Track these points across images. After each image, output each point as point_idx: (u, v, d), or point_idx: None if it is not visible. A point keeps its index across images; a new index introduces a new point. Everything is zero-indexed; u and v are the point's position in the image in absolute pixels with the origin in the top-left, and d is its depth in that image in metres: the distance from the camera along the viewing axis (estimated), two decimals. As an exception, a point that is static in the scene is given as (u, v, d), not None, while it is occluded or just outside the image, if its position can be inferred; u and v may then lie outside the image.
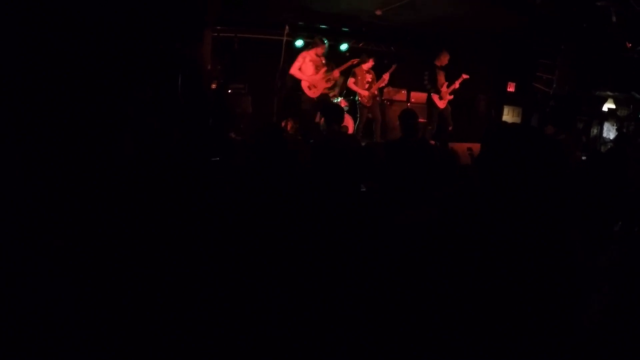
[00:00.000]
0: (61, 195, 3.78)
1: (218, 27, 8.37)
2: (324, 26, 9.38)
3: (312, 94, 8.00)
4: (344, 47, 9.75)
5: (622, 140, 7.27)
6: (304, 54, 8.09)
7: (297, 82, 8.09)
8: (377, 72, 8.47)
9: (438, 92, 8.35)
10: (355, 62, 8.38)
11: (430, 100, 8.49)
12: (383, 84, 8.48)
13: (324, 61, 8.08)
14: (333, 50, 9.04)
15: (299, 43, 9.31)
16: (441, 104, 8.41)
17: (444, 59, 8.43)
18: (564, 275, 1.73)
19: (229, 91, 8.85)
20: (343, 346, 2.35)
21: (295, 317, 2.65)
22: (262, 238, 3.25)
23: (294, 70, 7.94)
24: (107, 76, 4.46)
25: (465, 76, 8.44)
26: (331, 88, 9.10)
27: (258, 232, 3.31)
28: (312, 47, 8.09)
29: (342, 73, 8.49)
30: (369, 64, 8.25)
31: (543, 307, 1.73)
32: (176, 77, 5.27)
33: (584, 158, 7.67)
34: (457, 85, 8.44)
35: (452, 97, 8.49)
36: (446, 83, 8.41)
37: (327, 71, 8.03)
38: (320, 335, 2.49)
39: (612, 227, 2.95)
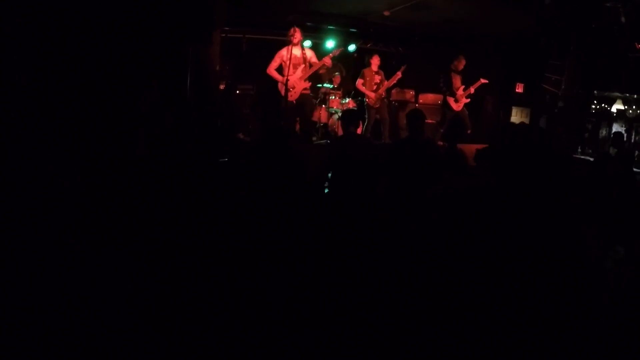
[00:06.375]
0: (74, 192, 3.83)
1: (226, 28, 8.34)
2: (332, 27, 9.39)
3: (290, 96, 7.27)
4: (351, 47, 9.76)
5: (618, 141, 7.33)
6: (280, 52, 7.39)
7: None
8: (386, 73, 8.45)
9: (453, 94, 8.33)
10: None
11: (445, 102, 8.48)
12: (395, 80, 8.38)
13: (306, 56, 7.39)
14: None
15: (307, 44, 9.31)
16: (457, 107, 8.38)
17: (459, 64, 8.40)
18: (575, 269, 1.73)
19: (237, 92, 8.87)
20: (351, 344, 2.36)
21: (301, 314, 2.66)
22: (263, 236, 3.27)
23: (270, 70, 7.32)
24: (118, 76, 4.51)
25: (483, 80, 8.38)
26: (336, 88, 9.05)
27: (261, 230, 3.33)
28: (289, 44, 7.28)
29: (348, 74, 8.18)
30: (376, 60, 8.22)
31: (554, 301, 1.73)
32: (185, 77, 5.29)
33: (591, 159, 7.65)
34: (477, 85, 8.36)
35: (468, 100, 8.45)
36: (462, 86, 8.38)
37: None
38: (328, 334, 2.50)
39: (621, 226, 2.95)
